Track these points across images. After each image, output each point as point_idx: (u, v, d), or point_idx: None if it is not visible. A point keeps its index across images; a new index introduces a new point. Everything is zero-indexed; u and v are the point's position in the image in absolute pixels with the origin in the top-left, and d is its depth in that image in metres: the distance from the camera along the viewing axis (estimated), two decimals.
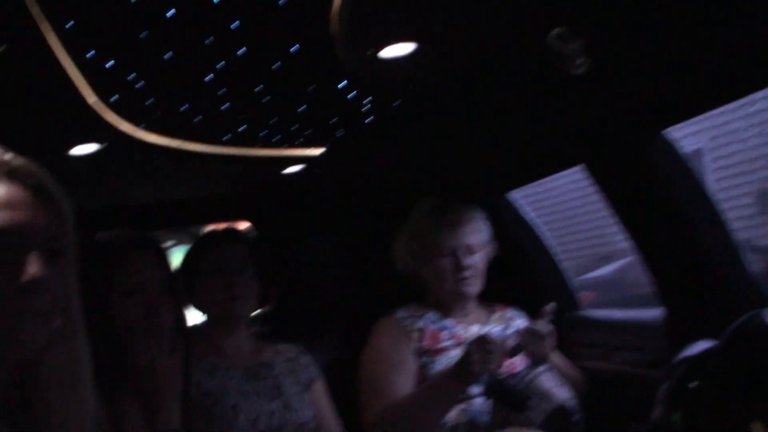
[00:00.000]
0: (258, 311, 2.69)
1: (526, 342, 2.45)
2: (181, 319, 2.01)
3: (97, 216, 2.77)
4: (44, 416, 1.31)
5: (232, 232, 2.63)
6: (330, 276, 3.29)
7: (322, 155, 2.60)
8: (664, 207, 2.33)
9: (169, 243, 4.21)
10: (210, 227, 3.31)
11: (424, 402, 2.46)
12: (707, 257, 2.30)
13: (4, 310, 1.19)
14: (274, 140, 2.47)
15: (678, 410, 1.93)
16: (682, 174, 2.29)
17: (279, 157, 2.63)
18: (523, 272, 3.13)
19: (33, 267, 1.20)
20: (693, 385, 1.93)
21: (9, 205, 1.22)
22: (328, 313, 3.21)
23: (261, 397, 2.42)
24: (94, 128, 2.07)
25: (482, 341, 2.36)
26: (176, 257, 2.66)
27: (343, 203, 3.24)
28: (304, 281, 3.25)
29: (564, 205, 12.21)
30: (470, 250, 2.74)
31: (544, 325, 2.47)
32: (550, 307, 2.50)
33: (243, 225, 3.40)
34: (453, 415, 2.52)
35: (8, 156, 1.27)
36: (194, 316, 2.54)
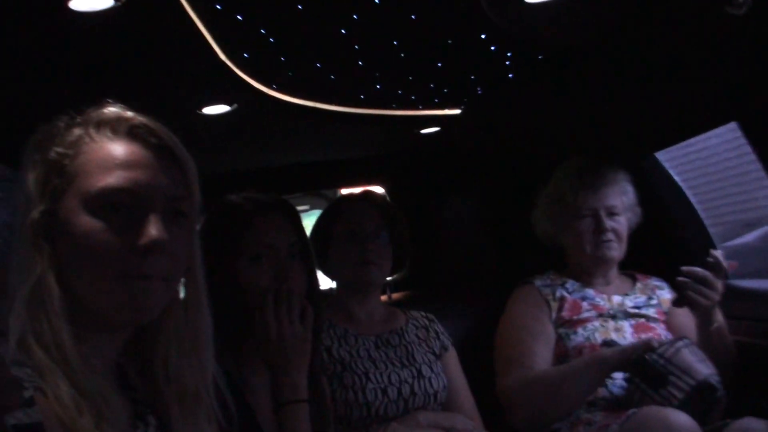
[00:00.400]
0: (391, 277, 2.61)
1: (688, 287, 2.28)
2: (313, 285, 1.95)
3: (227, 179, 2.75)
4: (163, 384, 1.29)
5: (368, 196, 2.56)
6: (466, 241, 3.18)
7: (459, 115, 2.50)
8: None
9: (302, 208, 4.19)
10: (344, 191, 3.26)
11: (571, 379, 2.34)
12: None
13: (125, 272, 1.16)
14: (410, 100, 2.38)
15: None
16: None
17: (415, 117, 2.54)
18: (669, 239, 2.94)
19: (154, 229, 1.17)
20: None
21: (129, 164, 1.19)
22: (463, 280, 3.11)
23: (392, 365, 2.35)
24: (226, 88, 2.02)
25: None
26: (309, 222, 2.61)
27: (481, 165, 3.13)
28: (439, 247, 3.15)
29: (705, 169, 11.65)
30: (612, 212, 2.60)
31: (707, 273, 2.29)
32: (717, 254, 2.33)
33: (378, 189, 3.33)
34: None
35: (129, 114, 1.24)
36: (326, 282, 2.50)
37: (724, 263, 2.31)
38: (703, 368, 2.24)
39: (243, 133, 2.49)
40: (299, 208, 4.42)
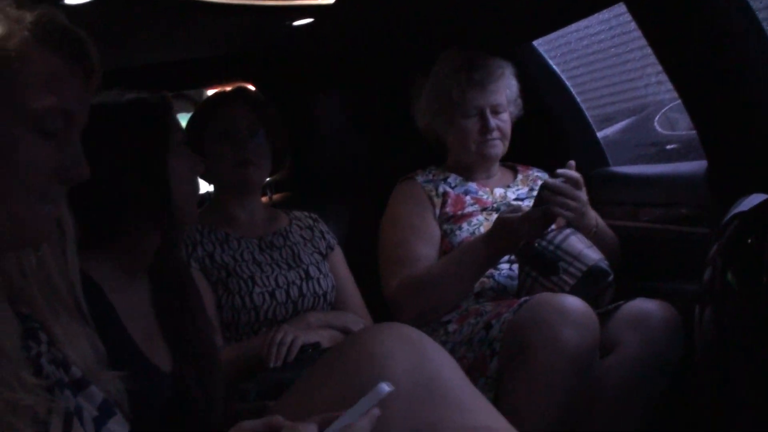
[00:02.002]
0: (270, 178, 2.51)
1: (548, 199, 2.25)
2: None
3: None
4: (33, 303, 1.19)
5: (241, 93, 2.43)
6: (344, 139, 3.09)
7: (333, 5, 2.37)
8: (715, 45, 2.09)
9: None
10: (211, 91, 3.10)
11: (453, 270, 2.32)
12: (759, 102, 2.09)
13: (44, 197, 1.09)
14: None
15: (732, 269, 1.78)
16: (739, 8, 2.05)
17: (286, 7, 2.39)
18: (550, 128, 2.93)
19: (84, 163, 1.11)
20: (748, 241, 1.78)
21: (69, 85, 1.09)
22: (343, 179, 3.03)
23: (278, 267, 2.28)
24: None
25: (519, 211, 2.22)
26: None
27: (357, 58, 3.01)
28: (317, 145, 3.05)
29: (586, 58, 11.68)
30: (497, 110, 2.56)
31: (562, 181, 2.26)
32: (570, 164, 2.32)
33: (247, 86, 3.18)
34: (477, 282, 2.39)
35: (68, 24, 1.10)
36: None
37: (575, 174, 2.29)
38: (593, 253, 2.26)
39: (102, 28, 2.29)
40: None
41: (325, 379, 1.37)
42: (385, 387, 1.02)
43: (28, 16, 1.06)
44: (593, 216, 2.42)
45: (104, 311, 1.65)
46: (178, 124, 1.77)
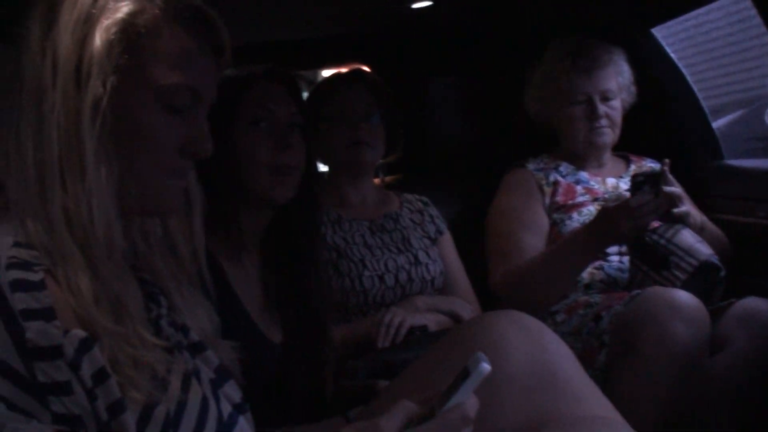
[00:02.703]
0: (383, 160, 2.53)
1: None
2: (311, 162, 1.85)
3: None
4: (159, 258, 1.24)
5: (358, 75, 2.44)
6: (458, 123, 3.07)
7: None
8: None
9: None
10: (326, 72, 3.13)
11: (556, 262, 2.30)
12: None
13: (172, 171, 1.14)
14: None
15: None
16: None
17: None
18: (665, 118, 2.87)
19: (209, 138, 1.16)
20: None
21: (200, 63, 1.14)
22: (455, 163, 3.02)
23: (388, 251, 2.29)
24: None
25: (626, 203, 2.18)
26: None
27: (474, 43, 2.99)
28: (431, 129, 3.04)
29: (705, 45, 11.35)
30: (606, 97, 2.52)
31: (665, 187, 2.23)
32: (665, 162, 2.29)
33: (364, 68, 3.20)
34: (586, 273, 2.36)
35: (202, 4, 1.13)
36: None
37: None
38: (704, 248, 2.22)
39: (216, 6, 2.33)
40: None
41: (440, 362, 1.37)
42: (486, 366, 1.02)
43: None
44: (697, 214, 2.37)
45: (220, 283, 1.70)
46: (259, 101, 1.78)
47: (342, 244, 2.26)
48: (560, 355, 1.39)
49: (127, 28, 1.06)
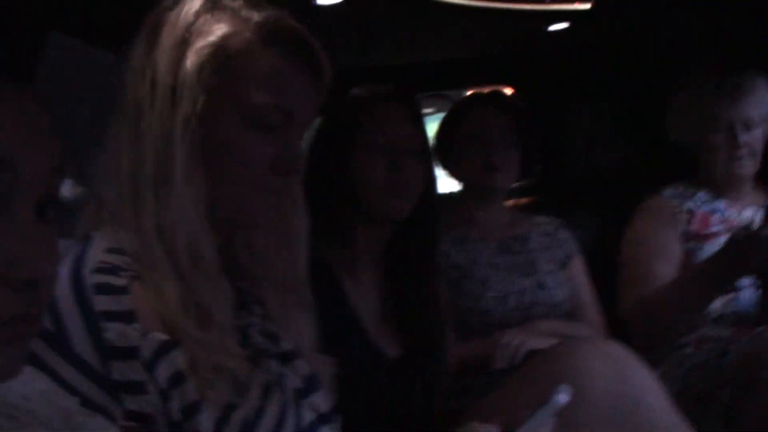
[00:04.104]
0: (518, 183, 2.50)
1: None
2: (430, 183, 1.85)
3: (346, 76, 2.65)
4: (258, 273, 1.26)
5: (496, 97, 2.43)
6: (597, 147, 3.02)
7: (590, 9, 2.33)
8: None
9: (427, 110, 4.09)
10: (470, 92, 3.13)
11: (684, 292, 2.20)
12: None
13: (265, 188, 1.15)
14: None
15: None
16: None
17: (543, 12, 2.38)
18: None
19: (299, 158, 1.19)
20: None
21: (293, 84, 1.16)
22: (591, 187, 2.96)
23: (513, 273, 2.26)
24: None
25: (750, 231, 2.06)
26: (434, 126, 2.51)
27: (614, 66, 2.93)
28: (568, 151, 2.99)
29: None
30: (748, 125, 2.39)
31: None
32: None
33: (505, 90, 3.19)
34: (717, 305, 2.25)
35: (294, 24, 1.17)
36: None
37: None
38: None
39: (360, 28, 2.39)
40: (424, 110, 4.32)
41: (522, 387, 1.36)
42: (564, 397, 1.00)
43: (256, 17, 1.14)
44: None
45: (335, 294, 1.74)
46: (380, 125, 1.80)
47: (466, 263, 2.25)
48: (644, 386, 1.34)
49: (218, 50, 1.11)
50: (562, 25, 2.53)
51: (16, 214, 0.65)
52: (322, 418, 1.23)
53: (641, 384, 1.34)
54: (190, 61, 1.09)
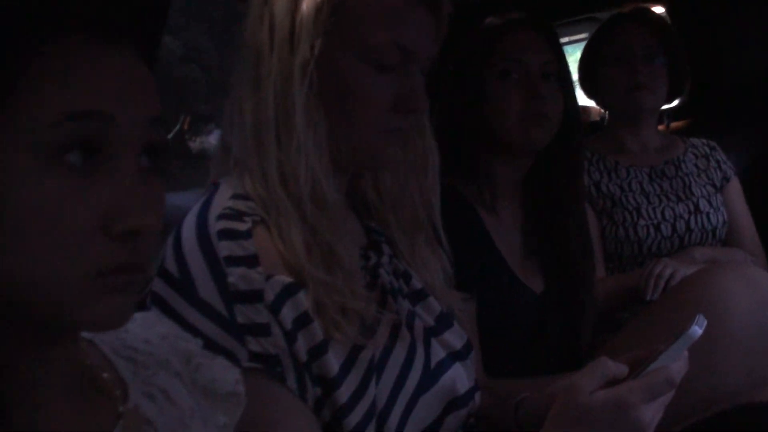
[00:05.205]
0: (669, 105, 2.39)
1: None
2: (570, 110, 1.78)
3: (480, 5, 2.58)
4: (386, 211, 1.27)
5: (638, 14, 2.32)
6: (755, 61, 2.82)
7: None
8: None
9: (580, 36, 3.96)
10: None
11: None
12: None
13: (388, 127, 1.14)
14: None
15: None
16: None
17: None
18: None
19: (423, 97, 1.15)
20: None
21: (412, 22, 1.13)
22: (749, 104, 2.77)
23: (666, 199, 2.18)
24: None
25: None
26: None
27: None
28: (725, 68, 2.82)
29: None
30: None
31: None
32: None
33: (658, 8, 3.02)
34: None
35: None
36: None
37: None
38: None
39: None
40: (576, 36, 4.19)
41: (661, 317, 1.30)
42: (698, 330, 0.95)
43: None
44: None
45: (477, 231, 1.73)
46: (513, 52, 1.74)
47: (617, 192, 2.18)
48: None
49: None
50: None
51: (116, 166, 0.67)
52: (455, 355, 1.23)
53: None
54: (307, 4, 1.09)
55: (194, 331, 0.96)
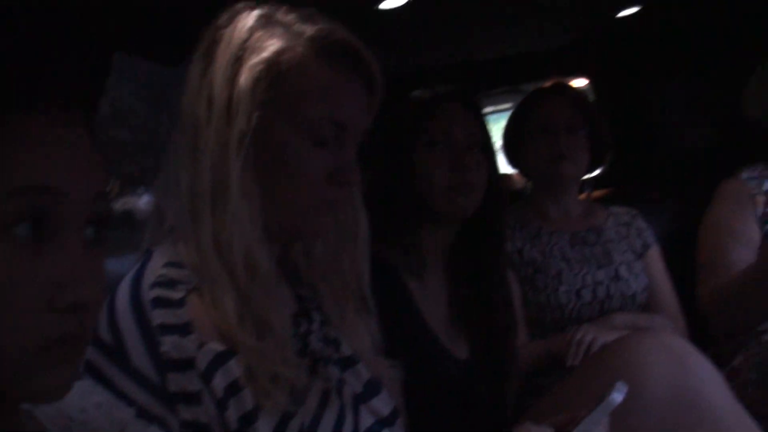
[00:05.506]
0: (591, 174, 2.47)
1: None
2: (494, 180, 1.85)
3: (415, 78, 2.66)
4: (317, 279, 1.29)
5: (560, 87, 2.41)
6: (675, 132, 2.94)
7: None
8: None
9: (504, 106, 4.07)
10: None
11: (761, 276, 2.13)
12: None
13: (322, 200, 1.17)
14: None
15: None
16: None
17: None
18: None
19: (355, 170, 1.20)
20: None
21: (348, 97, 1.18)
22: (669, 174, 2.89)
23: (587, 265, 2.24)
24: None
25: None
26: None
27: (688, 46, 2.85)
28: (646, 138, 2.94)
29: None
30: None
31: None
32: None
33: (582, 81, 3.15)
34: None
35: (352, 39, 1.19)
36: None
37: None
38: None
39: (426, 28, 2.39)
40: (501, 106, 4.31)
41: (582, 383, 1.35)
42: (618, 396, 0.99)
43: (309, 31, 1.16)
44: None
45: (403, 298, 1.76)
46: (441, 125, 1.80)
47: (539, 258, 2.24)
48: (704, 379, 1.32)
49: (272, 66, 1.13)
50: (632, 10, 2.49)
51: (64, 240, 0.69)
52: (383, 422, 1.25)
53: (700, 376, 1.32)
54: (245, 77, 1.12)
55: (128, 400, 0.97)
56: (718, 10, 2.62)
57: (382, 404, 1.27)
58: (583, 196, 2.52)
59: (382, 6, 2.10)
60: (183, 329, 1.03)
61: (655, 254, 2.37)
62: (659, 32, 2.81)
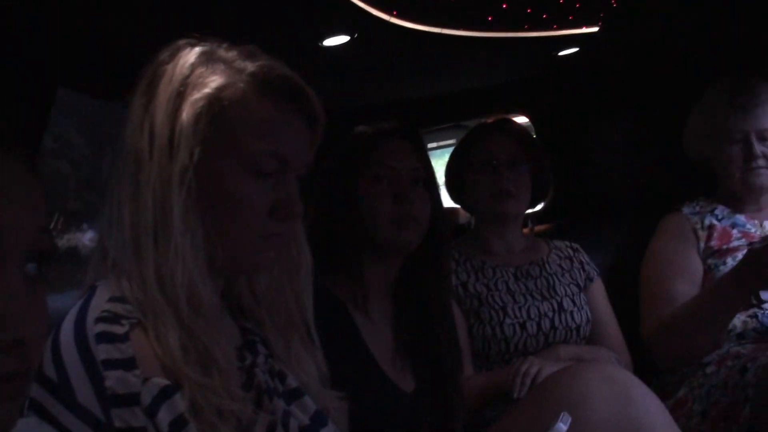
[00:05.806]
0: (533, 209, 2.51)
1: None
2: (437, 214, 1.87)
3: (359, 113, 2.69)
4: (263, 313, 1.30)
5: (502, 124, 2.45)
6: (615, 168, 3.01)
7: (597, 33, 2.34)
8: None
9: (448, 142, 4.12)
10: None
11: (704, 310, 2.18)
12: None
13: (267, 234, 1.19)
14: (542, 19, 2.25)
15: None
16: None
17: (550, 38, 2.40)
18: None
19: (298, 202, 1.20)
20: None
21: (289, 132, 1.20)
22: (611, 209, 2.95)
23: (531, 298, 2.26)
24: (345, 17, 1.96)
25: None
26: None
27: (627, 86, 2.93)
28: (586, 174, 3.00)
29: None
30: (764, 136, 2.38)
31: None
32: None
33: (521, 118, 3.20)
34: (739, 322, 2.23)
35: (290, 74, 1.21)
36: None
37: None
38: None
39: (369, 65, 2.43)
40: (444, 142, 4.36)
41: (527, 415, 1.36)
42: (563, 426, 1.01)
43: (250, 67, 1.17)
44: None
45: (348, 330, 1.77)
46: (385, 159, 1.84)
47: (484, 291, 2.26)
48: (649, 410, 1.35)
49: (213, 102, 1.14)
50: (572, 50, 2.54)
51: (3, 276, 0.67)
52: None
53: (643, 406, 1.34)
54: (186, 113, 1.13)
55: None
56: (656, 51, 2.69)
57: None
58: (526, 230, 2.56)
59: (326, 43, 2.12)
60: (127, 364, 1.03)
61: (598, 287, 2.41)
62: (599, 71, 2.87)
